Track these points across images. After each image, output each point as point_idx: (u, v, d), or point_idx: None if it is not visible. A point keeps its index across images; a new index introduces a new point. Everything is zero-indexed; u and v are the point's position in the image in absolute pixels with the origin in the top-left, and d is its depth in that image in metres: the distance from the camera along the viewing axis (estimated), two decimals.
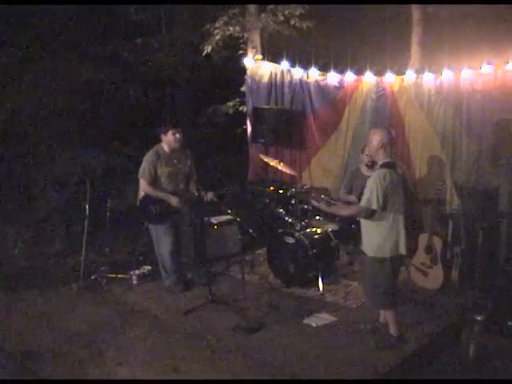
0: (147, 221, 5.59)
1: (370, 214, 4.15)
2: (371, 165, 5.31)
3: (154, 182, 5.42)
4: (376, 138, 4.20)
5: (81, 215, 5.85)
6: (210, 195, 5.51)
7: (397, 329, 4.36)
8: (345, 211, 4.76)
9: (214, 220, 6.47)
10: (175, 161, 5.48)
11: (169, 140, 5.44)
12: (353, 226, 5.72)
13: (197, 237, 5.72)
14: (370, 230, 4.24)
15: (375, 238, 4.21)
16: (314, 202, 4.76)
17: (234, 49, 8.32)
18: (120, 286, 5.75)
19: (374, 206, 4.08)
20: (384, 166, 4.18)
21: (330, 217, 6.13)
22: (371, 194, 4.07)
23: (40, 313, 5.07)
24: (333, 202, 4.91)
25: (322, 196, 4.85)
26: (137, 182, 5.47)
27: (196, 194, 5.46)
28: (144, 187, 5.42)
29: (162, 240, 5.50)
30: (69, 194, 7.29)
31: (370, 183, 4.15)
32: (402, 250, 4.19)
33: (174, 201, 5.36)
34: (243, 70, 7.66)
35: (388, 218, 4.14)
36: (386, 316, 4.43)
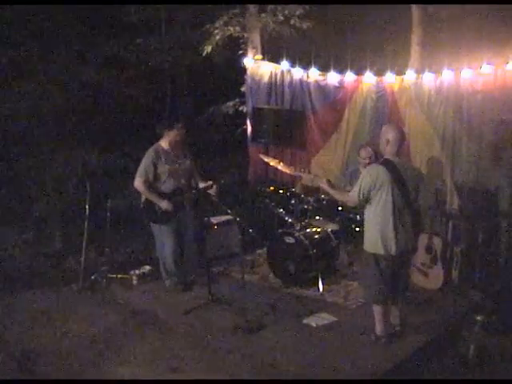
0: (152, 221, 5.53)
1: (357, 204, 4.37)
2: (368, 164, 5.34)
3: (154, 180, 5.41)
4: (383, 134, 4.36)
5: (81, 215, 5.85)
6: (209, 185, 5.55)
7: (382, 329, 4.37)
8: (339, 196, 4.81)
9: (214, 220, 6.47)
10: (175, 158, 5.48)
11: (173, 135, 5.44)
12: (353, 225, 5.71)
13: (197, 237, 5.71)
14: (366, 226, 4.40)
15: (367, 234, 4.37)
16: (319, 182, 4.79)
17: (234, 49, 8.32)
18: (120, 286, 5.75)
19: (356, 197, 4.29)
20: (380, 162, 4.34)
21: (330, 217, 6.14)
22: (357, 186, 4.30)
23: (40, 313, 5.06)
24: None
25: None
26: None
27: (200, 186, 5.50)
28: (139, 186, 5.39)
29: (165, 240, 5.49)
30: (69, 194, 7.29)
31: (360, 176, 4.42)
32: (392, 251, 4.22)
33: (164, 204, 5.34)
34: (243, 69, 7.65)
35: (378, 217, 4.25)
36: (374, 313, 4.41)
